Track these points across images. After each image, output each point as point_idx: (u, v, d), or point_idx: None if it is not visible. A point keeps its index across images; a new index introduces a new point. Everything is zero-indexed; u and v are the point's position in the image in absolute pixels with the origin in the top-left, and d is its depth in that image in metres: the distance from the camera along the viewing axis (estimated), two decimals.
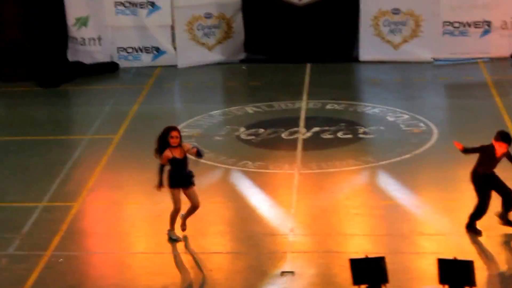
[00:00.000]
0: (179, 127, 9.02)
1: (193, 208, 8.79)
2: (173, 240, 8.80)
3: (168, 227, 8.85)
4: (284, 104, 13.20)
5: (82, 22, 15.34)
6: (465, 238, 8.54)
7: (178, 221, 8.90)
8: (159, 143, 8.71)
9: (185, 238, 8.80)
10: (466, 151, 8.63)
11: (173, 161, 8.64)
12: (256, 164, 10.81)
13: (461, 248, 8.27)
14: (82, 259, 8.61)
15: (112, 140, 11.86)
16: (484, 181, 8.42)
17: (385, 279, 5.56)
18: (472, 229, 8.54)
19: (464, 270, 5.44)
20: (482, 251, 8.28)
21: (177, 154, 8.61)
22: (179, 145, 8.64)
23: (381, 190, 9.97)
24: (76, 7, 15.25)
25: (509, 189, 8.48)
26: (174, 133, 8.62)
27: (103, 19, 15.31)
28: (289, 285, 7.79)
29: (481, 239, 8.51)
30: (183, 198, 8.76)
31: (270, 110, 13.00)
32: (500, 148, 8.38)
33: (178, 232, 8.86)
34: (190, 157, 8.79)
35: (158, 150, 8.73)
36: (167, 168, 8.72)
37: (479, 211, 8.49)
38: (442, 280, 5.50)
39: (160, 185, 8.71)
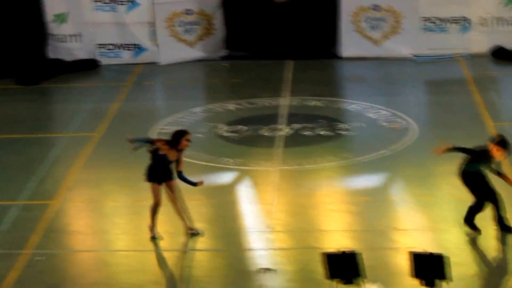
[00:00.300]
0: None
1: (171, 201, 8.79)
2: (152, 237, 8.88)
3: (149, 222, 8.91)
4: (265, 101, 13.31)
5: (61, 18, 15.34)
6: (441, 234, 8.69)
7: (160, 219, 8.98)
8: (173, 139, 8.68)
9: (167, 236, 8.88)
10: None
11: (163, 158, 8.67)
12: (236, 161, 10.91)
13: (436, 243, 8.40)
14: (61, 257, 8.66)
15: (92, 138, 11.90)
16: (475, 178, 8.47)
17: (359, 274, 5.67)
18: (470, 225, 8.57)
19: (436, 263, 5.57)
20: (457, 246, 8.40)
21: (172, 155, 8.67)
22: (182, 150, 8.71)
23: (359, 186, 10.12)
24: (55, 3, 15.24)
25: (496, 191, 8.52)
26: (189, 137, 8.72)
27: (82, 15, 15.31)
28: (268, 281, 7.89)
29: (456, 235, 8.65)
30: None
31: (251, 107, 13.10)
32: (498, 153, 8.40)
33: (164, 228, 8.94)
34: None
35: (170, 142, 8.69)
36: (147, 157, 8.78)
37: (479, 207, 8.51)
38: (413, 274, 5.62)
39: (132, 141, 8.73)
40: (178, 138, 8.69)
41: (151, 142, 8.83)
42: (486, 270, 8.08)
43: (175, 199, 8.81)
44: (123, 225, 9.33)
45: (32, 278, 8.14)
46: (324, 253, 5.65)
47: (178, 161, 8.72)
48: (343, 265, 5.64)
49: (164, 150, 8.65)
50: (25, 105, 13.60)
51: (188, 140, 8.70)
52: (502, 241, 8.52)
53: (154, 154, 8.73)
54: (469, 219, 8.57)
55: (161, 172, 8.72)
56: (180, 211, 8.84)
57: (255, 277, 8.00)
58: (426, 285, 5.62)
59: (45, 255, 8.57)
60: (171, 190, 8.78)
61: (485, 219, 8.72)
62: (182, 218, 8.88)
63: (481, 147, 8.57)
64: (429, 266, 5.55)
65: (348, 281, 5.60)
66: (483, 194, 8.51)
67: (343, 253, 5.70)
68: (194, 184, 8.75)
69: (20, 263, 8.41)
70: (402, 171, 10.44)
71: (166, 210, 9.51)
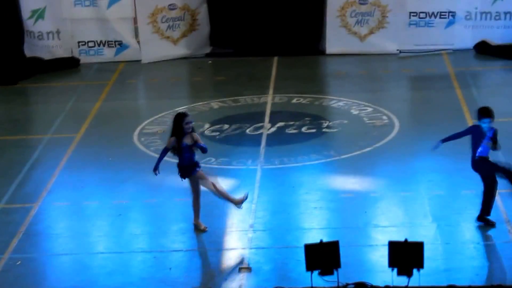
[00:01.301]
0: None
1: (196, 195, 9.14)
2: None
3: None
4: (250, 99, 13.61)
5: (39, 14, 15.45)
6: (417, 229, 8.99)
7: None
8: (177, 129, 8.98)
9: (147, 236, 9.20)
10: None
11: (184, 147, 8.96)
12: (219, 160, 11.21)
13: (413, 239, 8.59)
14: (40, 261, 8.88)
15: (74, 139, 12.11)
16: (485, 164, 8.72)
17: (337, 264, 6.02)
18: (484, 220, 8.85)
19: (414, 252, 5.88)
20: (432, 242, 8.69)
21: (187, 140, 9.00)
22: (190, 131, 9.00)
23: (340, 183, 10.44)
24: None
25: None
26: (189, 119, 9.02)
27: (60, 11, 15.30)
28: (245, 281, 8.19)
29: (433, 230, 8.99)
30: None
31: (235, 105, 13.38)
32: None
33: None
34: None
35: (175, 135, 8.98)
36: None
37: (490, 197, 8.78)
38: (391, 263, 5.94)
39: (156, 169, 9.01)
40: (180, 125, 8.98)
41: (167, 150, 9.09)
42: (459, 265, 8.40)
43: (198, 193, 9.14)
44: (104, 227, 9.56)
45: (10, 283, 8.31)
46: (305, 244, 6.01)
47: (195, 141, 9.02)
48: (322, 255, 5.97)
49: (177, 142, 8.94)
50: (3, 106, 13.72)
51: (187, 123, 8.98)
52: (478, 236, 8.92)
53: (177, 151, 9.01)
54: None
55: (187, 165, 9.00)
56: (199, 206, 9.17)
57: (233, 277, 8.31)
58: (403, 274, 5.95)
59: (24, 259, 8.77)
60: (195, 182, 9.08)
61: (462, 213, 9.14)
62: (197, 213, 9.21)
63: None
64: (407, 254, 5.88)
65: (325, 272, 5.93)
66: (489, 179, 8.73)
67: (321, 243, 6.03)
68: (204, 148, 9.01)
69: None
70: (383, 168, 10.77)
71: (146, 211, 9.89)
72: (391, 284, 5.49)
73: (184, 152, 9.03)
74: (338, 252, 6.02)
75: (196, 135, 9.09)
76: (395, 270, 5.83)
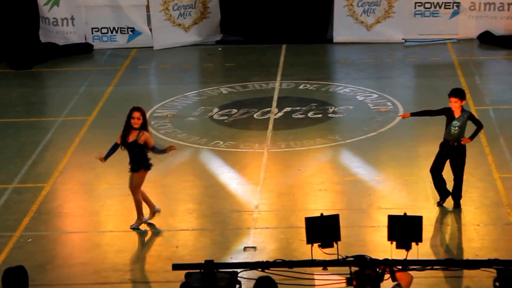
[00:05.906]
0: (144, 110, 8.83)
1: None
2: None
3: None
4: (258, 85, 13.54)
5: (54, 1, 15.44)
6: (419, 211, 8.83)
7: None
8: (125, 123, 8.83)
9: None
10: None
11: (131, 145, 8.67)
12: (227, 143, 11.17)
13: None
14: (51, 238, 8.89)
15: (86, 121, 12.12)
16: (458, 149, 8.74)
17: (337, 237, 5.91)
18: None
19: (413, 226, 5.76)
20: (433, 223, 8.74)
21: (132, 136, 8.67)
22: (139, 128, 8.64)
23: (345, 167, 10.40)
24: None
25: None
26: (135, 114, 8.68)
27: None
28: (250, 259, 8.15)
29: (434, 211, 8.96)
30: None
31: (244, 91, 13.34)
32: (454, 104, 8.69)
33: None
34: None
35: (123, 129, 8.85)
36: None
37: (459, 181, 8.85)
38: (390, 237, 5.83)
39: (103, 158, 8.82)
40: (128, 117, 8.72)
41: (117, 146, 8.84)
42: (459, 246, 8.38)
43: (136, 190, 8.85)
44: (114, 207, 9.55)
45: (21, 259, 8.22)
46: (305, 217, 5.91)
47: (146, 142, 8.67)
48: (322, 228, 5.86)
49: (121, 137, 8.69)
50: (19, 90, 13.74)
51: (134, 118, 8.61)
52: (478, 219, 8.85)
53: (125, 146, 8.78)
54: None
55: (130, 160, 8.78)
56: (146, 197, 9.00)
57: (237, 255, 8.28)
58: (402, 247, 5.85)
59: (35, 237, 8.79)
60: (133, 180, 8.82)
61: (462, 196, 9.03)
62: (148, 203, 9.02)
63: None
64: (406, 228, 5.76)
65: (325, 245, 5.82)
66: (462, 167, 8.74)
67: (322, 216, 5.91)
68: (164, 151, 8.73)
69: (9, 245, 8.62)
70: (387, 152, 10.72)
71: (154, 191, 9.82)
72: (390, 258, 5.39)
73: (130, 147, 8.69)
74: (339, 225, 5.89)
75: (145, 135, 8.61)
76: (394, 244, 5.71)
